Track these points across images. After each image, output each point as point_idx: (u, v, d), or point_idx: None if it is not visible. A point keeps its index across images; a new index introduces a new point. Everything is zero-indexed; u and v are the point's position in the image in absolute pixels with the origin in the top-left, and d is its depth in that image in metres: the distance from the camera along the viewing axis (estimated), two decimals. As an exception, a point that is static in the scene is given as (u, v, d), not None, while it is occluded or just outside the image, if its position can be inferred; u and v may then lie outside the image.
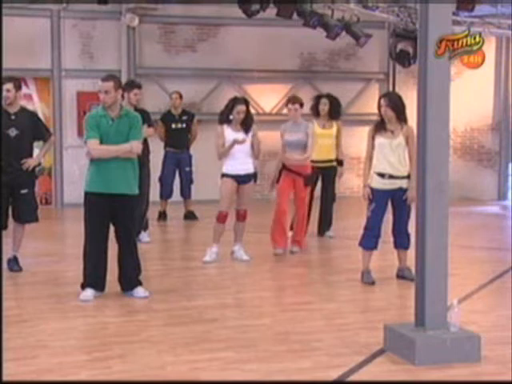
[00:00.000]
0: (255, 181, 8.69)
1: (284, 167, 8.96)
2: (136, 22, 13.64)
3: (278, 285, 7.52)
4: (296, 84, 14.55)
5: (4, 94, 7.78)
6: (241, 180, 8.54)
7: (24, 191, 7.94)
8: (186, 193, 12.08)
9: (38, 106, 13.62)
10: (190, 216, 12.03)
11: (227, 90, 13.82)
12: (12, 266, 8.00)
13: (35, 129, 8.03)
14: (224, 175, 8.56)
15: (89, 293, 6.80)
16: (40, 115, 13.71)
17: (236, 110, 8.43)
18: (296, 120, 8.99)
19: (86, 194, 6.84)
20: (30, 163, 7.95)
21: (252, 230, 9.32)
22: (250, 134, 8.48)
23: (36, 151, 8.23)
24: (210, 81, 14.33)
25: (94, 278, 6.84)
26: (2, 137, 7.76)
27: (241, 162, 8.52)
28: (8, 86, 7.79)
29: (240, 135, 8.42)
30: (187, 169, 12.01)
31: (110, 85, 6.73)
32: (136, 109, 8.63)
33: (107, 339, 5.66)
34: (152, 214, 10.59)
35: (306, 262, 8.56)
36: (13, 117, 7.88)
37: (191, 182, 12.09)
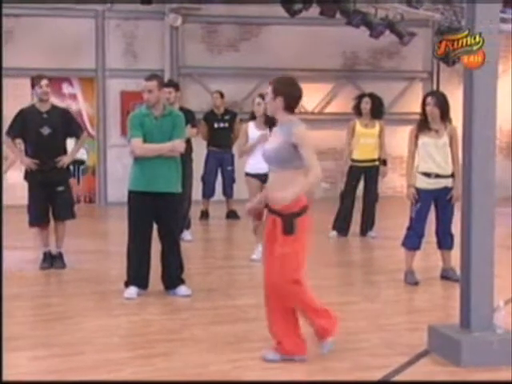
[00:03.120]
0: None
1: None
2: (179, 21, 13.72)
3: (320, 284, 7.45)
4: (338, 83, 14.47)
5: (44, 89, 7.86)
6: (262, 179, 8.50)
7: (60, 188, 8.02)
8: (228, 192, 12.10)
9: (82, 105, 13.79)
10: (232, 215, 12.04)
11: (269, 89, 13.78)
12: (56, 263, 8.09)
13: (68, 126, 8.08)
14: (246, 174, 8.58)
15: (132, 291, 6.84)
16: (84, 115, 13.86)
17: (255, 103, 8.44)
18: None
19: (130, 192, 6.90)
20: (64, 161, 8.02)
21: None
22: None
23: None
24: (252, 80, 14.32)
25: (137, 276, 6.88)
26: (36, 135, 7.85)
27: (260, 161, 8.45)
28: (46, 81, 7.88)
29: (262, 132, 8.37)
30: (229, 168, 12.04)
31: (153, 84, 6.78)
32: (181, 108, 8.65)
33: (150, 337, 5.70)
34: (194, 212, 10.64)
35: (348, 262, 8.50)
36: (45, 115, 7.94)
37: (233, 181, 12.10)
